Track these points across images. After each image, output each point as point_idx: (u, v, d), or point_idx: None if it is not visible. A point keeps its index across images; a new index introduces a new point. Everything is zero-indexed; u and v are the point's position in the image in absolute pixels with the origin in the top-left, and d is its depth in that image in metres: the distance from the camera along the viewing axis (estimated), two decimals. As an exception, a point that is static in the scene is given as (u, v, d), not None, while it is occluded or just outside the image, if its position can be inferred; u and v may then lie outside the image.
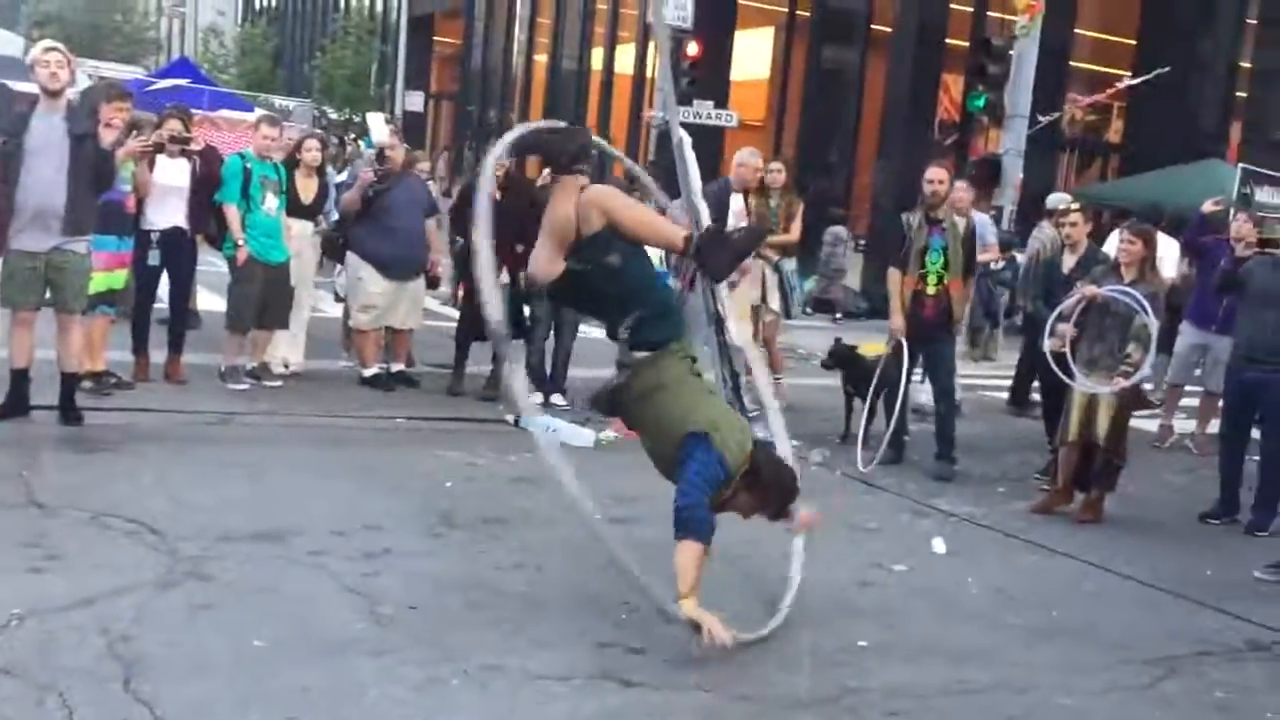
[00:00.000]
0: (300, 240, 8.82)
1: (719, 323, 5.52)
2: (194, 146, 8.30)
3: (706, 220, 5.60)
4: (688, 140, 5.68)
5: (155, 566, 4.77)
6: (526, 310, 9.04)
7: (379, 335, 9.13)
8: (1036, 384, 9.27)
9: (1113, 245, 8.37)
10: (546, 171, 9.09)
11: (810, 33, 21.66)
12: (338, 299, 10.36)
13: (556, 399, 8.84)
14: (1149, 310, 6.87)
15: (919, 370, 8.50)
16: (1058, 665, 4.72)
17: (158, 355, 8.30)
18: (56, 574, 4.59)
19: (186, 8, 48.75)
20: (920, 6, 18.50)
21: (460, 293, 9.56)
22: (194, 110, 11.50)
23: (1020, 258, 12.06)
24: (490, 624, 4.55)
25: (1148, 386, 8.78)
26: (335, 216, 9.39)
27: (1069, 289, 7.49)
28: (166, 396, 7.84)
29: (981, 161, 16.86)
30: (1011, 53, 15.91)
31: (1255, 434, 7.34)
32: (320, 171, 9.06)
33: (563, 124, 5.38)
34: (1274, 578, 6.18)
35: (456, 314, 9.73)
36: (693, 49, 19.21)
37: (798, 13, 22.09)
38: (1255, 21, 20.35)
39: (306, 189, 8.81)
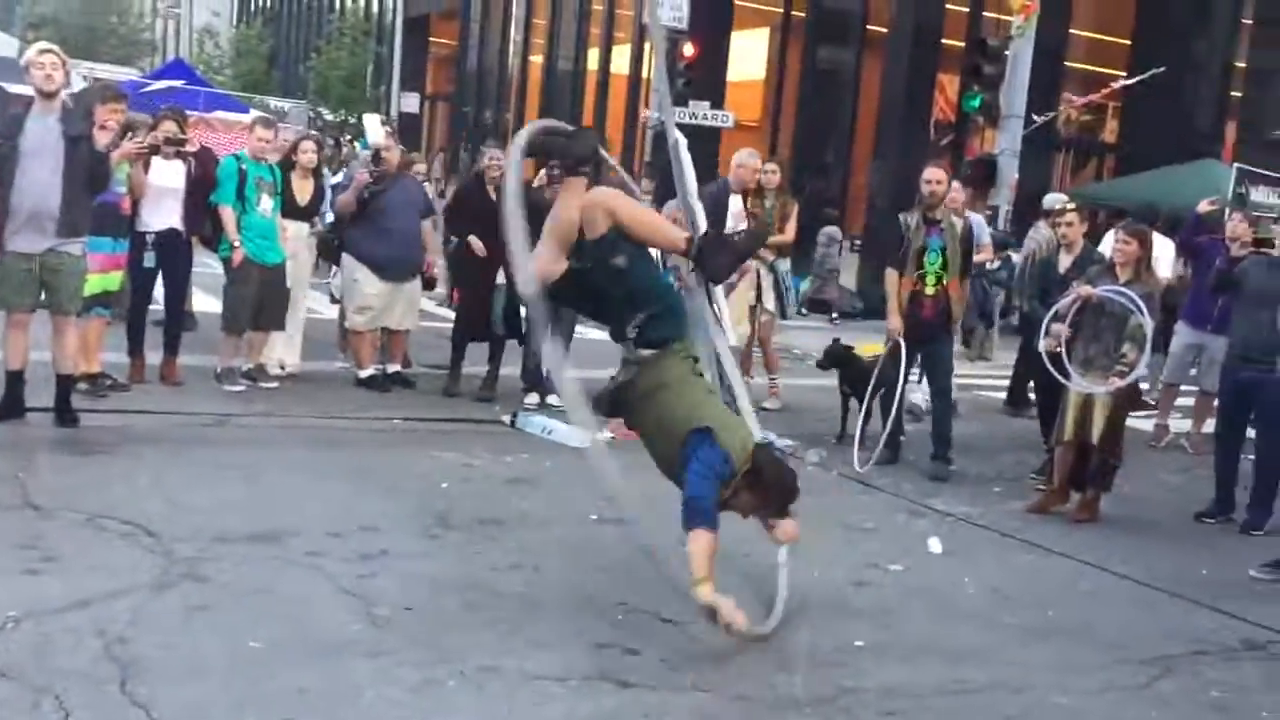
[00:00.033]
0: (296, 242, 8.81)
1: (717, 324, 5.52)
2: (189, 148, 8.30)
3: (702, 221, 5.61)
4: (683, 141, 5.69)
5: (151, 568, 4.77)
6: (523, 311, 9.04)
7: (375, 336, 9.12)
8: (1033, 384, 9.28)
9: (1108, 245, 8.37)
10: (542, 173, 9.11)
11: (806, 33, 21.68)
12: (333, 300, 10.36)
13: (554, 399, 8.83)
14: (1144, 310, 6.88)
15: (915, 370, 8.50)
16: (1054, 665, 4.72)
17: (153, 357, 8.29)
18: (52, 576, 4.59)
19: (181, 9, 48.69)
20: (916, 7, 18.52)
21: (455, 294, 9.58)
22: (189, 112, 11.49)
23: (1015, 257, 12.09)
24: (487, 625, 4.55)
25: (1144, 386, 8.79)
26: (330, 218, 9.40)
27: (1065, 289, 7.50)
28: (162, 398, 7.83)
29: (977, 161, 16.87)
30: (1007, 53, 15.92)
31: (1251, 433, 7.35)
32: (316, 173, 9.06)
33: (572, 127, 5.40)
34: (1269, 577, 6.19)
35: (452, 315, 9.75)
36: (689, 50, 19.23)
37: (793, 13, 22.11)
38: (1250, 21, 20.39)
39: (302, 190, 8.81)
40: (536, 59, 29.50)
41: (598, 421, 7.70)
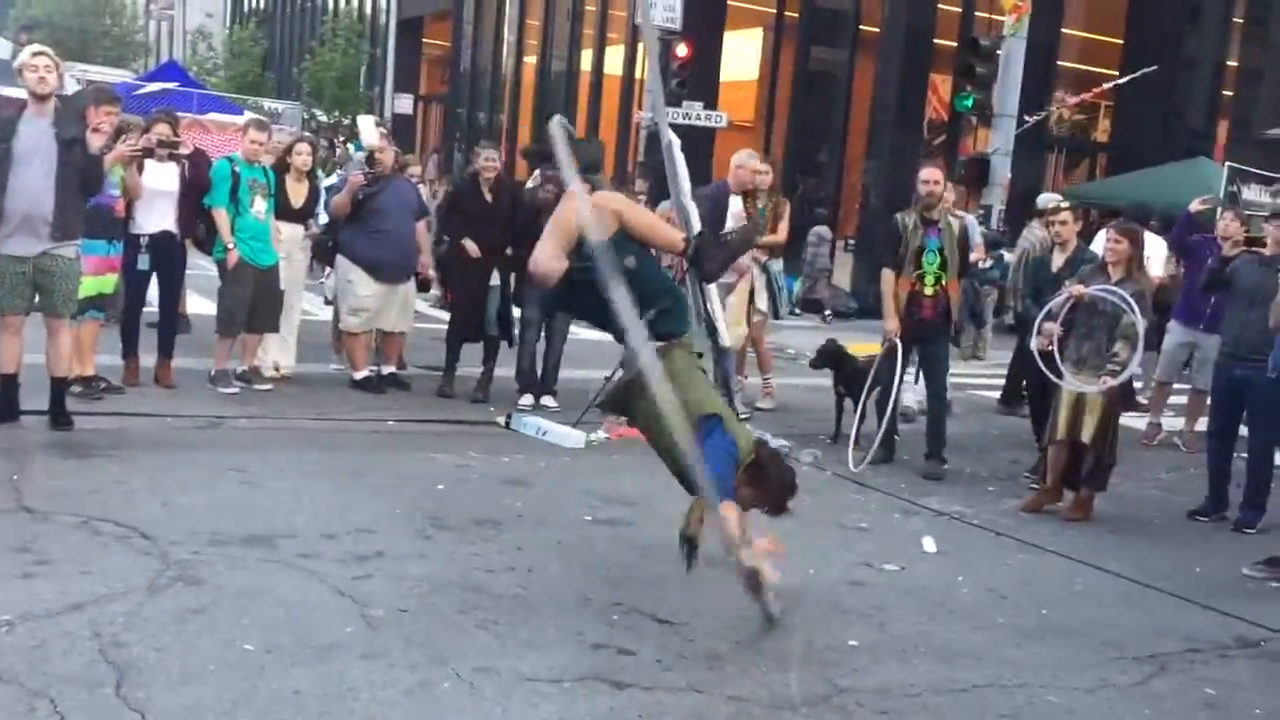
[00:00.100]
0: (290, 244, 8.81)
1: (709, 324, 5.55)
2: (183, 151, 8.29)
3: (696, 221, 5.64)
4: (677, 142, 5.71)
5: (146, 571, 4.77)
6: (517, 312, 9.05)
7: (369, 338, 9.12)
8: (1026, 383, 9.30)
9: (1100, 244, 8.39)
10: (536, 173, 9.12)
11: (799, 33, 21.68)
12: (327, 302, 10.36)
13: (548, 401, 8.84)
14: (1136, 309, 6.90)
15: (910, 370, 8.51)
16: (1048, 663, 4.74)
17: (147, 359, 8.29)
18: (47, 579, 4.59)
19: (175, 11, 48.61)
20: (908, 7, 18.53)
21: (448, 294, 9.58)
22: (183, 114, 11.49)
23: (1008, 257, 12.10)
24: (482, 626, 4.55)
25: (1137, 385, 8.81)
26: (324, 219, 9.39)
27: (1058, 288, 7.52)
28: (157, 401, 7.83)
29: (971, 161, 16.91)
30: (999, 53, 15.96)
31: (1243, 431, 7.37)
32: (310, 175, 9.05)
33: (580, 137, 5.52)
34: (1262, 575, 6.20)
35: (445, 316, 9.75)
36: (682, 50, 19.24)
37: (786, 13, 22.11)
38: (1241, 20, 20.44)
39: (297, 193, 8.81)
40: (530, 60, 29.49)
41: (589, 424, 7.78)
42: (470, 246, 8.81)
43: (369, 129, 9.68)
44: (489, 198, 8.94)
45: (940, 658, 4.69)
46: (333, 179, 11.63)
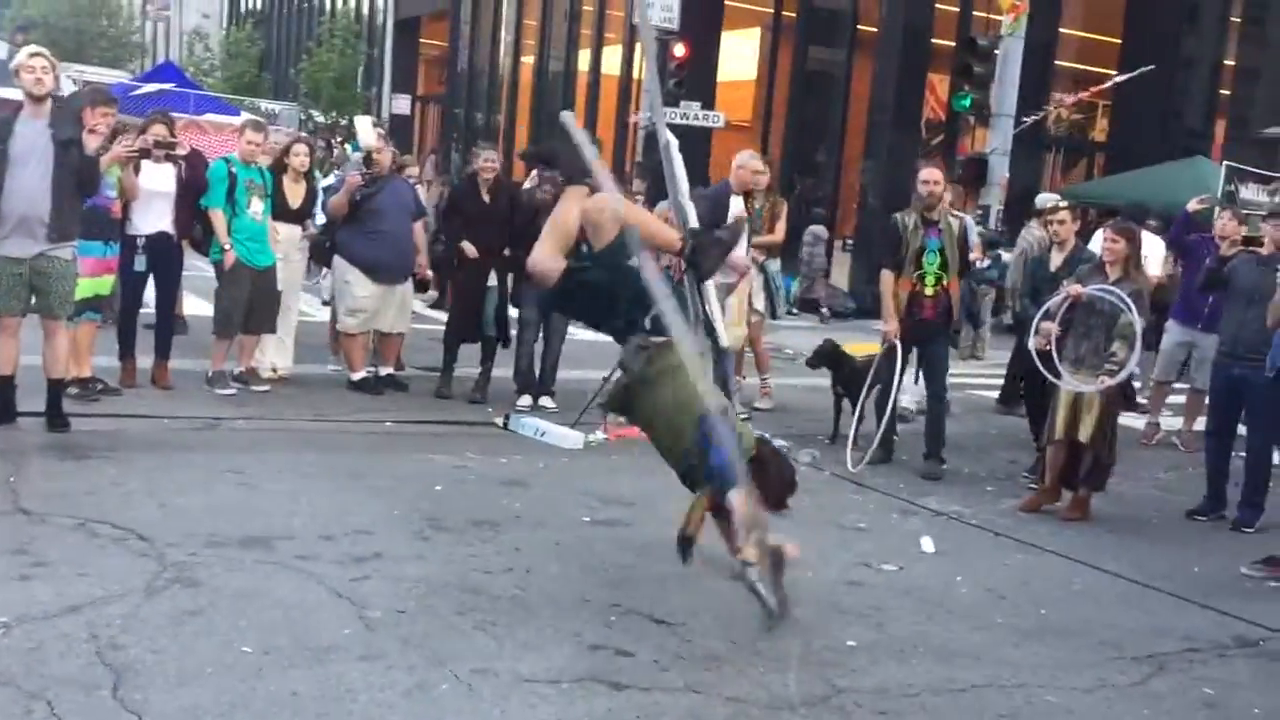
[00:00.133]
0: (288, 245, 8.80)
1: (707, 324, 5.55)
2: (179, 151, 8.28)
3: (694, 221, 5.64)
4: (674, 142, 5.71)
5: (143, 573, 4.76)
6: (514, 313, 9.05)
7: (366, 339, 9.11)
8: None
9: (1098, 243, 8.39)
10: (534, 173, 9.11)
11: (796, 33, 21.68)
12: (324, 303, 10.34)
13: (546, 401, 8.83)
14: (1133, 308, 6.90)
15: (910, 370, 8.50)
16: (1046, 663, 4.74)
17: (144, 361, 8.28)
18: (44, 581, 4.58)
19: (171, 11, 48.57)
20: (906, 7, 18.53)
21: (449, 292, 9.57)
22: (180, 115, 11.47)
23: (1006, 256, 12.09)
24: (479, 627, 4.55)
25: (1136, 384, 8.81)
26: (322, 220, 9.38)
27: (1056, 287, 7.52)
28: (154, 402, 7.82)
29: (969, 161, 16.91)
30: (997, 52, 15.96)
31: (1242, 430, 7.37)
32: (307, 176, 9.04)
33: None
34: (1261, 574, 6.20)
35: (443, 317, 9.74)
36: (679, 50, 19.23)
37: (784, 13, 22.10)
38: (1239, 19, 20.44)
39: (294, 193, 8.80)
40: (527, 60, 29.47)
41: (586, 425, 7.78)
42: (469, 249, 8.81)
43: (366, 130, 9.67)
44: (487, 198, 8.93)
45: (939, 658, 4.69)
46: (330, 180, 11.62)
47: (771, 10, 22.33)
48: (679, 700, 4.10)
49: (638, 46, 23.37)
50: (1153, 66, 17.68)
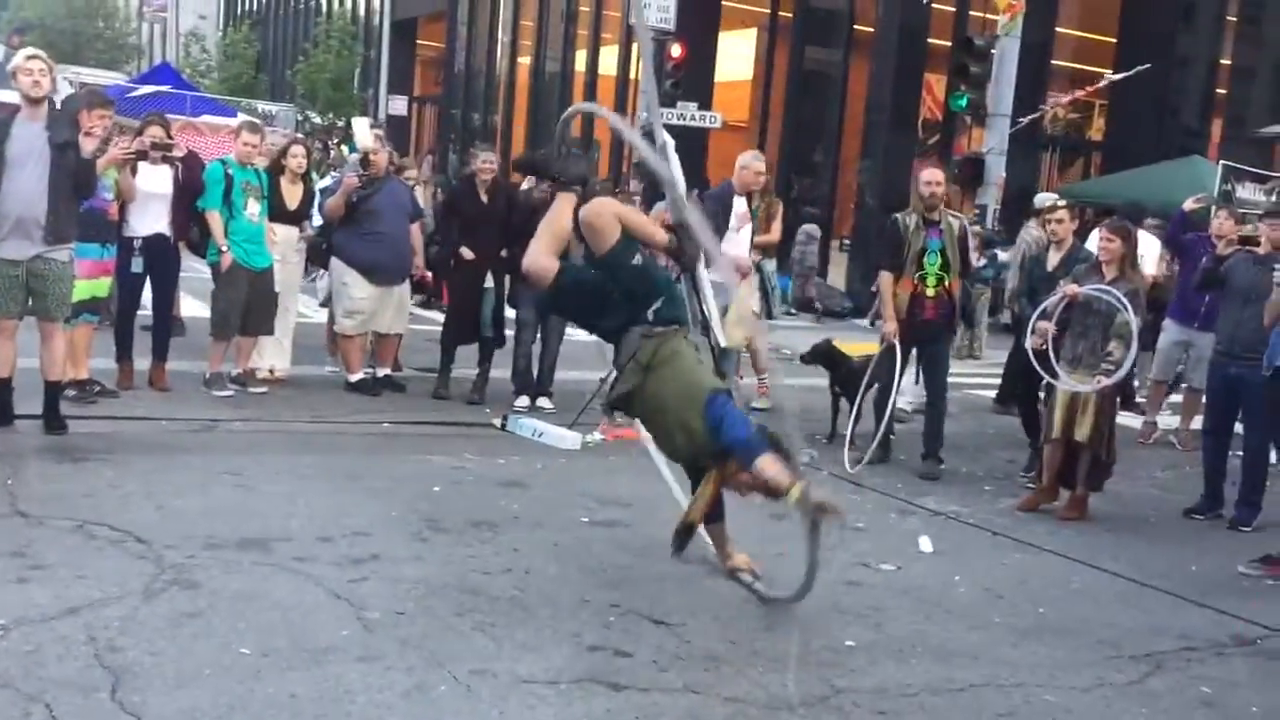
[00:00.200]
0: (285, 246, 8.80)
1: (705, 324, 5.55)
2: (176, 153, 8.28)
3: (692, 220, 5.64)
4: (671, 143, 5.71)
5: (141, 575, 4.76)
6: (511, 314, 9.05)
7: (363, 340, 9.11)
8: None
9: (1094, 243, 8.40)
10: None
11: (793, 33, 21.69)
12: (321, 304, 10.34)
13: (544, 402, 8.84)
14: (1129, 308, 6.91)
15: (910, 370, 8.51)
16: (1044, 662, 4.74)
17: (142, 363, 8.28)
18: (42, 584, 4.57)
19: (168, 13, 48.53)
20: (902, 7, 18.54)
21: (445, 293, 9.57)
22: (176, 116, 11.47)
23: (1003, 256, 12.11)
24: (478, 628, 4.55)
25: (1134, 384, 8.83)
26: (319, 222, 9.38)
27: (1053, 287, 7.53)
28: (151, 404, 7.82)
29: (966, 161, 16.93)
30: (993, 52, 15.98)
31: (1239, 429, 7.38)
32: (304, 177, 9.04)
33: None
34: (1258, 572, 6.21)
35: (440, 318, 9.74)
36: (676, 51, 19.24)
37: (780, 14, 22.12)
38: (1234, 18, 20.47)
39: (291, 195, 8.80)
40: (524, 61, 29.48)
41: (584, 425, 7.78)
42: (465, 252, 8.83)
43: (363, 131, 9.66)
44: (485, 200, 8.94)
45: (937, 657, 4.69)
46: (327, 181, 11.62)
47: (768, 10, 22.35)
48: (678, 700, 4.10)
49: (634, 47, 23.36)
50: (1149, 65, 17.69)
